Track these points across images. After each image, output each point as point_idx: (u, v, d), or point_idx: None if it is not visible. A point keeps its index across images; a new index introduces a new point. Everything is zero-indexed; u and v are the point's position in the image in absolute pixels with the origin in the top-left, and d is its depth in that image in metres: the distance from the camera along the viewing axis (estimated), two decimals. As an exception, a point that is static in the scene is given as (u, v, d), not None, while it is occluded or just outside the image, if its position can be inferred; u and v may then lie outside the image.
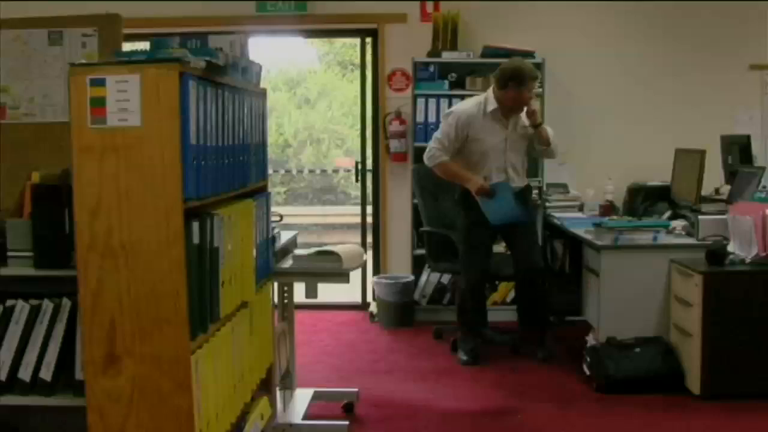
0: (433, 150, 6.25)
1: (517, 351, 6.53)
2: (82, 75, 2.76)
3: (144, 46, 3.36)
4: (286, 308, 5.23)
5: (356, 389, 5.40)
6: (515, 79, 6.06)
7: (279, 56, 13.35)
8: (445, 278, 7.60)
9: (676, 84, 8.04)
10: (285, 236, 4.89)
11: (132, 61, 2.80)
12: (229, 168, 3.27)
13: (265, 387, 4.17)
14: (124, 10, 4.60)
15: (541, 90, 7.48)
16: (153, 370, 2.81)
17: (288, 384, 5.15)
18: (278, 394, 4.80)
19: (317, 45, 13.34)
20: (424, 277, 7.68)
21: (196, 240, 2.85)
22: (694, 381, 5.48)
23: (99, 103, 2.74)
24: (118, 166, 2.74)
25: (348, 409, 5.30)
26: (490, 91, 6.27)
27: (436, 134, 6.32)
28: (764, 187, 6.32)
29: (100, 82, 2.74)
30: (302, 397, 5.15)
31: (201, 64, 2.90)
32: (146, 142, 2.73)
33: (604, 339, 5.77)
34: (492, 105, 6.19)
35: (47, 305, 3.13)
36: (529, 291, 6.39)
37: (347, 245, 4.84)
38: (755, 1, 7.98)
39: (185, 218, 2.76)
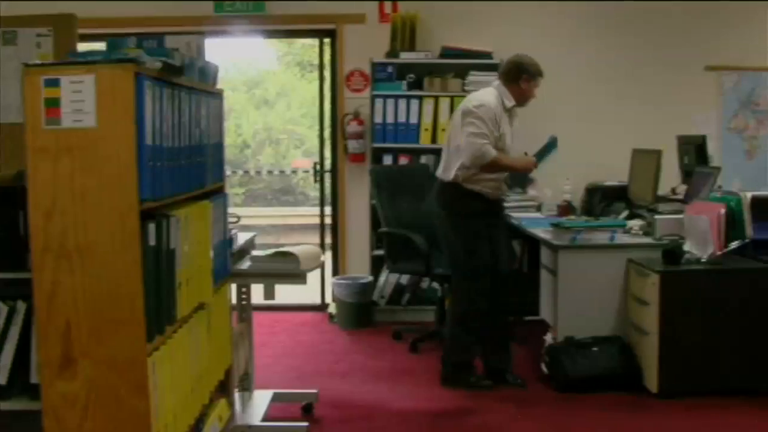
0: (484, 146, 5.61)
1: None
2: (36, 75, 2.73)
3: (100, 46, 3.34)
4: (245, 309, 5.21)
5: (315, 390, 5.40)
6: (528, 72, 5.82)
7: (238, 57, 13.30)
8: (404, 279, 7.62)
9: (634, 84, 8.11)
10: (243, 237, 4.87)
11: (87, 61, 2.77)
12: (186, 169, 3.25)
13: (224, 389, 4.14)
14: (80, 10, 4.57)
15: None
16: (109, 373, 2.78)
17: (247, 386, 5.14)
18: (237, 395, 4.78)
19: (276, 45, 13.31)
20: (382, 278, 7.69)
21: (152, 242, 2.83)
22: (651, 379, 5.53)
23: (53, 104, 2.71)
24: (73, 168, 2.72)
25: (307, 410, 5.29)
26: (500, 87, 5.85)
27: (475, 130, 5.62)
28: (720, 186, 6.39)
29: (54, 83, 2.72)
30: (261, 398, 5.14)
31: (156, 65, 2.88)
32: (101, 143, 2.71)
33: (562, 338, 5.80)
34: (510, 101, 5.84)
35: (1, 308, 3.10)
36: (501, 303, 5.97)
37: (305, 246, 4.83)
38: (712, 1, 8.08)
39: (141, 220, 2.74)
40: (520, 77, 5.82)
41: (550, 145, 6.15)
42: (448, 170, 5.88)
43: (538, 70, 5.88)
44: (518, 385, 5.84)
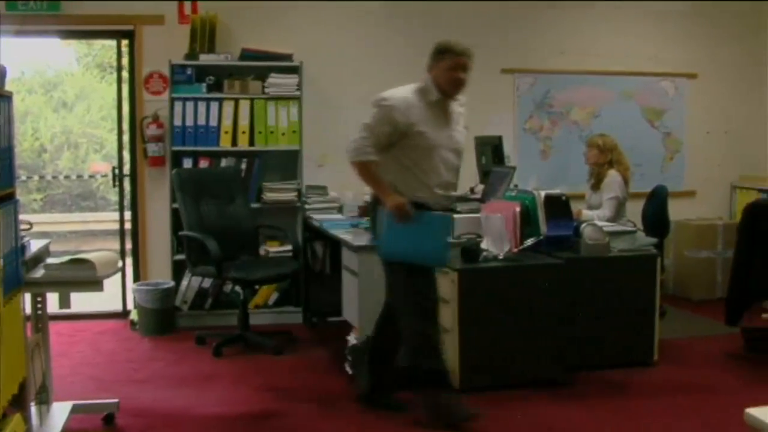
0: (362, 143, 5.08)
1: (280, 353, 6.57)
2: None
3: None
4: (40, 319, 5.04)
5: (116, 400, 5.26)
6: (434, 55, 5.17)
7: (34, 58, 12.89)
8: (207, 282, 7.55)
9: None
10: (37, 245, 4.72)
11: None
12: (-30, 176, 3.14)
13: (19, 403, 4.02)
14: None
15: (299, 93, 7.55)
16: None
17: (44, 398, 4.97)
18: (33, 409, 4.63)
19: (75, 46, 12.96)
20: (185, 283, 7.60)
21: (-67, 252, 2.72)
22: (453, 375, 5.62)
23: None
24: None
25: (108, 421, 5.17)
26: (427, 80, 5.18)
27: (365, 122, 5.09)
28: (516, 186, 6.59)
29: None
30: (60, 411, 4.99)
31: (-66, 68, 2.77)
32: None
33: (364, 338, 5.85)
34: (434, 94, 5.16)
35: None
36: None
37: (101, 252, 4.72)
38: (507, 1, 8.35)
39: None
40: (430, 63, 5.20)
41: (436, 223, 5.07)
42: None
43: (447, 47, 5.17)
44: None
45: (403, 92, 5.15)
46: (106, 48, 12.47)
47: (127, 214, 8.14)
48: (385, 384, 5.42)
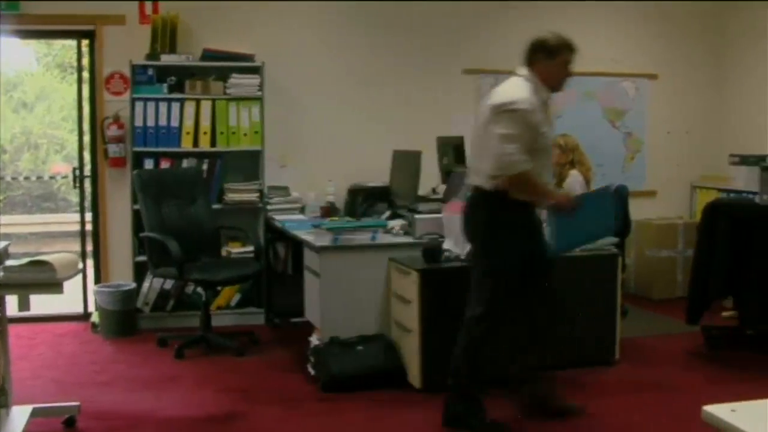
0: (515, 153, 4.67)
1: (243, 354, 6.57)
2: None
3: None
4: (-1, 322, 5.01)
5: (77, 403, 5.21)
6: (544, 50, 4.99)
7: (-8, 58, 12.79)
8: (169, 284, 7.51)
9: (395, 87, 8.31)
10: (-5, 247, 4.68)
11: None
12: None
13: (-24, 406, 3.98)
14: None
15: (260, 93, 7.53)
16: None
17: (3, 402, 4.92)
18: (-8, 413, 4.60)
19: (35, 46, 12.86)
20: (146, 284, 7.55)
21: None
22: (415, 375, 5.65)
23: None
24: None
25: (69, 424, 5.12)
26: (530, 76, 4.97)
27: (506, 132, 4.68)
28: (477, 186, 6.58)
29: None
30: (19, 414, 4.94)
31: None
32: None
33: (327, 339, 5.85)
34: (545, 92, 4.98)
35: None
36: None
37: (61, 254, 4.67)
38: (471, 1, 8.36)
39: None
40: (535, 59, 5.01)
41: (605, 196, 5.24)
42: (481, 176, 4.94)
43: (562, 43, 5.00)
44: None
45: (524, 93, 4.87)
46: (66, 48, 12.39)
47: (88, 216, 8.09)
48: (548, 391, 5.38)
